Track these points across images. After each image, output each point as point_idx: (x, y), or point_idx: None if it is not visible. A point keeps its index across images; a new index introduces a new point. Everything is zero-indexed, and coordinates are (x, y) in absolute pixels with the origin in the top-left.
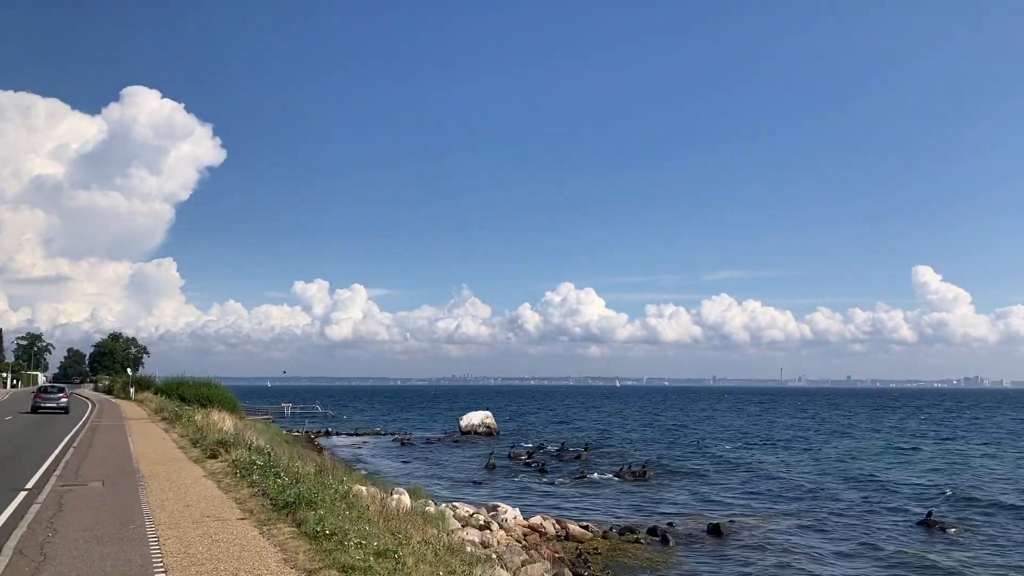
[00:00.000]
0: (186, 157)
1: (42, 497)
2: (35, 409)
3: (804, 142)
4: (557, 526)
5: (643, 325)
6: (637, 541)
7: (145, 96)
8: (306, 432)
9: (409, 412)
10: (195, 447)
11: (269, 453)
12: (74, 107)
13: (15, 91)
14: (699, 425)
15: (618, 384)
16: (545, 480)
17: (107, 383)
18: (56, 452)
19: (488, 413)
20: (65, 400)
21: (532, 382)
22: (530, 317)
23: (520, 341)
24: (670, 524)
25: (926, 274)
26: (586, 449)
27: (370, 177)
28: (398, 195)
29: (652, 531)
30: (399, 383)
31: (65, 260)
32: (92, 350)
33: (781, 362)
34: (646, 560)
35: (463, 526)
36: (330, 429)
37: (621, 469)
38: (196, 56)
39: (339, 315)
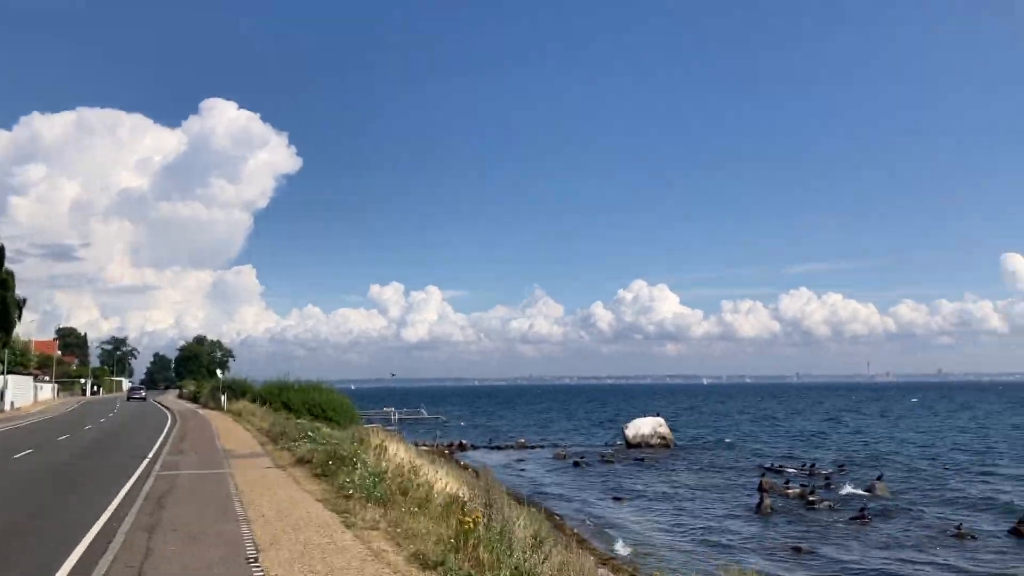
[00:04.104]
0: (263, 166)
1: None
2: (129, 399)
3: (883, 130)
4: None
5: (719, 321)
6: None
7: (222, 107)
8: (437, 445)
9: (519, 415)
10: None
11: None
12: (156, 121)
13: (102, 107)
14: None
15: (705, 382)
16: (887, 540)
17: (192, 389)
18: None
19: (660, 420)
20: (144, 394)
21: (608, 381)
22: (603, 315)
23: (593, 340)
24: None
25: (1016, 262)
26: (879, 479)
27: (441, 180)
28: (468, 196)
29: None
30: (477, 383)
31: (151, 269)
32: (177, 354)
33: (865, 357)
34: None
35: None
36: (464, 442)
37: (1021, 521)
38: (270, 66)
39: (414, 317)
